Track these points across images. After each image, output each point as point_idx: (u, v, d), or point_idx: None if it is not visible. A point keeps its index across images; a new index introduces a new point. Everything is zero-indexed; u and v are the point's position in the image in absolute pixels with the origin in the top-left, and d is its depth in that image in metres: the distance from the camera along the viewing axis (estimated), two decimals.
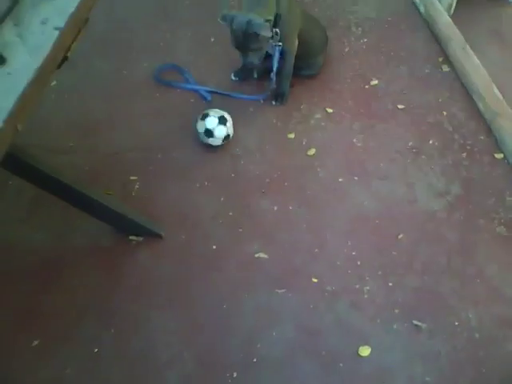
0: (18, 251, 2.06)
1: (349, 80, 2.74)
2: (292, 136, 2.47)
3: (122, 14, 3.20)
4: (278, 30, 2.28)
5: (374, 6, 3.19)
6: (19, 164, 1.67)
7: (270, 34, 2.20)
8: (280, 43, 2.34)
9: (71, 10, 1.27)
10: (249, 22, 2.13)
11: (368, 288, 1.97)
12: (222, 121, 2.32)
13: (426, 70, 2.79)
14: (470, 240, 2.10)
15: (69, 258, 2.05)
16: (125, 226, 2.05)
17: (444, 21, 2.95)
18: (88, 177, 2.26)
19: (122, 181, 2.26)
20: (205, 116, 2.33)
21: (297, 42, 2.46)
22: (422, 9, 3.11)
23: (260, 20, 2.14)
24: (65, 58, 1.28)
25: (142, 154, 2.39)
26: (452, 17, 3.03)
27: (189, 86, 2.70)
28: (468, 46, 2.77)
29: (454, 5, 3.05)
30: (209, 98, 2.63)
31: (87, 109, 2.59)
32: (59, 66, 1.27)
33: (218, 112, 2.35)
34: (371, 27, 3.06)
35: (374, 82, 2.73)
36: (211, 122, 2.31)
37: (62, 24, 1.23)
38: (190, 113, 2.56)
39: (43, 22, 1.24)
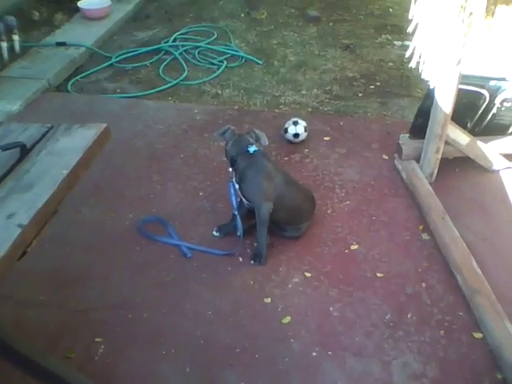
0: None
1: (329, 243, 2.77)
2: (268, 301, 2.43)
3: (119, 163, 3.35)
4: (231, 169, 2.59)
5: (359, 169, 3.33)
6: None
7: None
8: (233, 179, 2.60)
9: (39, 205, 1.30)
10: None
11: None
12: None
13: (406, 237, 2.82)
14: None
15: None
16: None
17: (425, 189, 3.05)
18: (51, 336, 2.19)
19: (86, 342, 2.19)
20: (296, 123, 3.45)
21: (270, 207, 2.53)
22: (404, 175, 3.23)
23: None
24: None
25: (112, 313, 2.35)
26: (433, 183, 3.15)
27: (171, 241, 2.72)
28: (448, 217, 2.83)
29: (436, 172, 3.18)
30: (189, 255, 2.65)
31: (65, 260, 2.60)
32: (21, 257, 1.27)
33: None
34: (355, 190, 3.16)
35: (354, 246, 2.75)
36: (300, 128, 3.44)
37: (26, 221, 1.25)
38: (167, 270, 2.56)
39: (9, 217, 1.27)
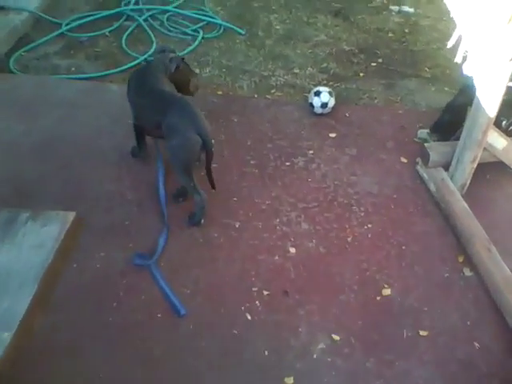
0: None
1: (355, 287, 2.23)
2: (290, 382, 1.89)
3: (79, 175, 2.66)
4: None
5: (376, 177, 2.77)
6: None
7: None
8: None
9: None
10: None
11: None
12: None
13: (446, 274, 2.32)
14: None
15: None
16: None
17: (461, 208, 2.53)
18: None
19: None
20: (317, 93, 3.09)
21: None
22: (431, 187, 2.70)
23: None
24: None
25: None
26: (465, 195, 2.64)
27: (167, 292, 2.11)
28: (494, 248, 2.33)
29: (468, 183, 2.66)
30: (182, 312, 2.06)
31: None
32: None
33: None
34: (375, 207, 2.61)
35: (387, 290, 2.22)
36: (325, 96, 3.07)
37: None
38: (155, 338, 1.97)
39: None
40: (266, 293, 2.16)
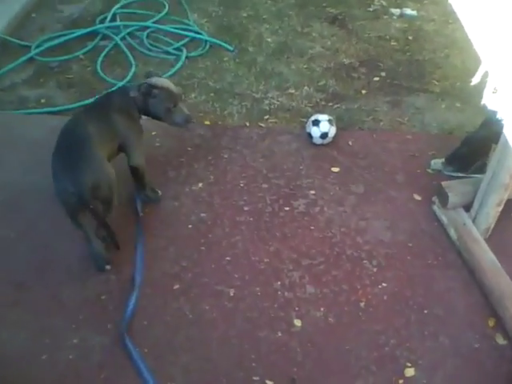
0: None
1: (373, 367, 1.92)
2: None
3: (50, 237, 2.31)
4: None
5: (387, 221, 2.46)
6: None
7: None
8: None
9: None
10: None
11: None
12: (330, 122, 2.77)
13: (476, 345, 2.00)
14: None
15: None
16: None
17: (488, 260, 2.22)
18: None
19: None
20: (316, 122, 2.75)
21: None
22: (451, 232, 2.37)
23: None
24: None
25: None
26: (488, 239, 2.32)
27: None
28: None
29: (492, 227, 2.34)
30: None
31: None
32: None
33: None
34: (389, 259, 2.29)
35: (410, 371, 1.91)
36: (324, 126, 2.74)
37: None
38: None
39: None
40: (269, 383, 1.84)
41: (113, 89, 2.80)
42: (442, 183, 2.42)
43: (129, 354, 1.86)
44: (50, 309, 2.04)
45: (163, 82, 2.33)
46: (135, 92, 2.23)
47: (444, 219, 2.42)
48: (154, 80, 2.30)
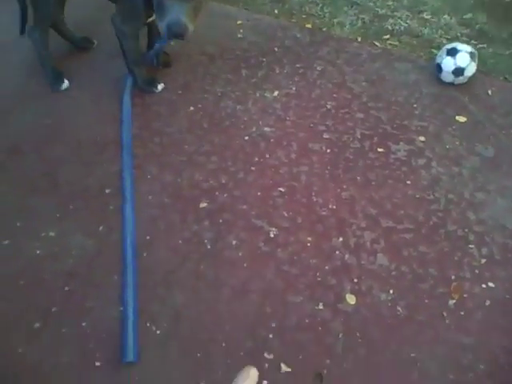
0: None
1: (451, 376, 1.24)
2: None
3: None
4: None
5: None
6: None
7: None
8: None
9: None
10: None
11: None
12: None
13: None
14: None
15: None
16: None
17: None
18: None
19: None
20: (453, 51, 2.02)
21: None
22: None
23: None
24: None
25: None
26: None
27: None
28: None
29: None
30: None
31: None
32: None
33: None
34: (507, 253, 1.57)
35: None
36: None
37: None
38: None
39: None
40: (285, 369, 1.24)
41: None
42: None
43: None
44: (37, 186, 1.56)
45: None
46: None
47: None
48: None
